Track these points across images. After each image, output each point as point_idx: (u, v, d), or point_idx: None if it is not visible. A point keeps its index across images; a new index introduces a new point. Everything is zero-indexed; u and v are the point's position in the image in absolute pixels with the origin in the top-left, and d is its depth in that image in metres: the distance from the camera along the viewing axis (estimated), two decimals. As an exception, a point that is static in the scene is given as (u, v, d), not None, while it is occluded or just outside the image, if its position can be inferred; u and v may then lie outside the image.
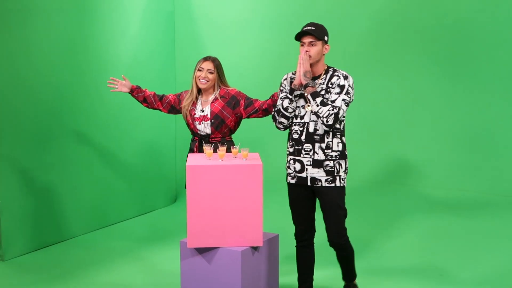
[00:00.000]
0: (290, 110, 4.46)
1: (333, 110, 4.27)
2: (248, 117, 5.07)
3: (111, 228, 6.75)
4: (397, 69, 6.72)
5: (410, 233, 6.26)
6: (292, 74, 4.55)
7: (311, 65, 4.41)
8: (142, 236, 6.50)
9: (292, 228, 6.40)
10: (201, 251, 4.51)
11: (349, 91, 4.35)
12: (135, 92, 5.23)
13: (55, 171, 6.14)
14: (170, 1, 7.51)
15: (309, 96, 4.34)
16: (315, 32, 4.34)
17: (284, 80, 4.57)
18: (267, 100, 5.00)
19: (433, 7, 6.50)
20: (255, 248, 4.53)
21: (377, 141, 6.79)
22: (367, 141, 6.62)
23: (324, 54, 4.43)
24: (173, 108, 5.20)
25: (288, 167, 4.57)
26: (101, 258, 5.85)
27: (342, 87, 4.34)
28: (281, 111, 4.48)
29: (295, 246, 4.76)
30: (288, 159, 4.56)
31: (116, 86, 5.28)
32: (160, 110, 5.22)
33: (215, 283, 4.49)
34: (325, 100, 4.32)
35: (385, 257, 5.79)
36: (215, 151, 4.95)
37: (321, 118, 4.30)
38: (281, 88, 4.57)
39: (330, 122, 4.28)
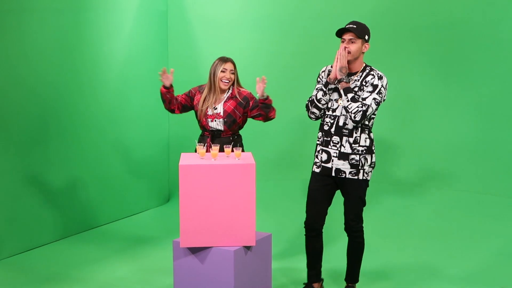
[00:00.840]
0: (323, 102, 4.59)
1: (362, 107, 4.40)
2: (252, 117, 5.22)
3: (104, 227, 6.74)
4: (390, 69, 6.72)
5: (401, 232, 6.28)
6: (331, 67, 4.65)
7: (349, 62, 4.52)
8: (135, 236, 6.49)
9: (285, 228, 6.42)
10: (194, 250, 4.51)
11: (381, 91, 4.48)
12: (170, 89, 5.24)
13: (48, 170, 6.13)
14: (163, 1, 7.51)
15: (341, 91, 4.47)
16: (356, 30, 4.46)
17: (322, 72, 4.70)
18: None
19: (426, 7, 6.52)
20: (248, 248, 4.53)
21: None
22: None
23: (363, 52, 4.55)
24: (185, 107, 5.29)
25: (316, 156, 4.70)
26: (95, 257, 5.85)
27: (375, 86, 4.47)
28: (314, 102, 4.62)
29: (304, 235, 4.86)
30: (318, 148, 4.69)
31: (164, 75, 5.24)
32: (174, 111, 5.28)
33: (208, 282, 4.49)
34: (356, 97, 4.45)
35: (376, 256, 5.80)
36: (207, 150, 4.96)
37: (350, 113, 4.44)
38: (318, 79, 4.70)
39: (358, 118, 4.42)
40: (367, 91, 4.46)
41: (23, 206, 5.91)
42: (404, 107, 6.70)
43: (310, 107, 4.65)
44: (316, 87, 4.65)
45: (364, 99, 4.44)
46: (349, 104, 4.43)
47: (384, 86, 4.50)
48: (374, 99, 4.44)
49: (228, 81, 5.14)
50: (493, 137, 6.34)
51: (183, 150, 6.66)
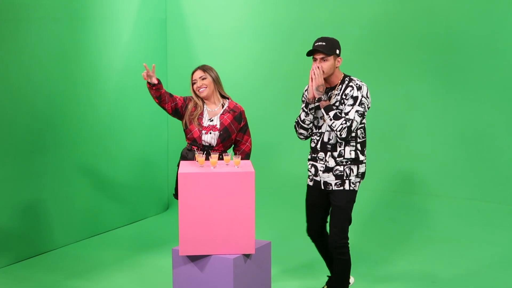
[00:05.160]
0: (307, 122, 4.64)
1: (346, 123, 4.40)
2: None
3: (102, 236, 6.73)
4: (391, 76, 6.76)
5: (402, 240, 6.28)
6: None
7: (326, 78, 4.53)
8: (134, 244, 6.49)
9: (285, 236, 6.43)
10: (193, 258, 4.51)
11: (362, 102, 4.46)
12: (158, 85, 4.89)
13: (46, 179, 6.12)
14: (162, 9, 7.53)
15: (322, 110, 4.48)
16: (325, 48, 4.45)
17: (305, 90, 4.70)
18: (241, 150, 5.04)
19: (426, 16, 6.55)
20: (247, 256, 4.53)
21: (370, 149, 6.80)
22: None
23: (337, 67, 4.54)
24: (177, 111, 5.00)
25: (308, 170, 4.76)
26: (93, 266, 5.84)
27: (355, 98, 4.46)
28: (300, 123, 4.67)
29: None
30: (308, 163, 4.75)
31: (148, 74, 4.87)
32: (166, 109, 4.98)
33: (208, 290, 4.49)
34: (338, 113, 4.45)
35: (377, 265, 5.80)
36: (207, 158, 4.95)
37: (335, 132, 4.44)
38: (303, 98, 4.71)
39: (344, 136, 4.43)
40: (348, 105, 4.44)
41: (21, 216, 5.90)
42: (403, 114, 6.71)
43: (297, 128, 4.70)
44: (302, 107, 4.66)
45: (346, 113, 4.43)
46: (332, 123, 4.43)
47: (365, 96, 4.48)
48: (357, 111, 4.43)
49: (203, 89, 4.94)
50: (494, 143, 6.35)
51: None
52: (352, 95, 4.46)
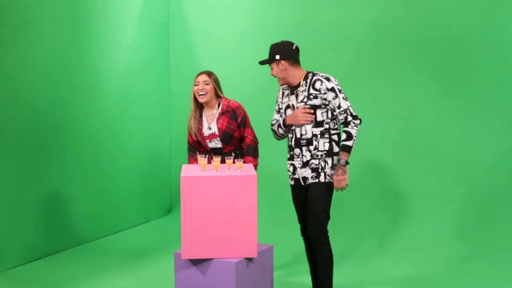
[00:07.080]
0: (281, 131, 4.84)
1: (355, 126, 4.56)
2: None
3: (105, 239, 6.73)
4: (393, 80, 6.74)
5: (402, 244, 6.26)
6: (283, 88, 4.85)
7: (281, 79, 4.72)
8: (137, 247, 6.49)
9: (287, 239, 6.42)
10: (196, 262, 4.51)
11: (340, 88, 4.61)
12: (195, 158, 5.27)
13: (49, 182, 6.12)
14: (165, 13, 7.53)
15: (346, 162, 4.61)
16: (266, 60, 4.74)
17: (278, 91, 4.92)
18: (246, 144, 5.17)
19: (427, 20, 6.53)
20: (249, 259, 4.53)
21: (371, 152, 6.80)
22: (361, 152, 6.63)
23: (286, 69, 4.68)
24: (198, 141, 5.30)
25: (288, 170, 4.84)
26: (96, 269, 5.83)
27: (332, 89, 4.59)
28: (275, 130, 4.87)
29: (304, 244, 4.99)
30: (287, 163, 4.84)
31: None
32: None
33: (210, 294, 4.48)
34: (346, 133, 4.56)
35: (377, 269, 5.78)
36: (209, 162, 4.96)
37: (357, 130, 4.60)
38: (277, 99, 4.92)
39: (359, 120, 4.58)
40: (332, 98, 4.57)
41: (24, 219, 5.90)
42: (406, 117, 6.70)
43: (273, 134, 4.87)
44: (276, 108, 4.87)
45: (339, 106, 4.57)
46: (354, 141, 4.57)
47: (337, 84, 4.62)
48: (344, 98, 4.58)
49: (204, 93, 5.09)
50: (495, 148, 6.34)
51: (184, 161, 6.67)
52: (327, 87, 4.58)
